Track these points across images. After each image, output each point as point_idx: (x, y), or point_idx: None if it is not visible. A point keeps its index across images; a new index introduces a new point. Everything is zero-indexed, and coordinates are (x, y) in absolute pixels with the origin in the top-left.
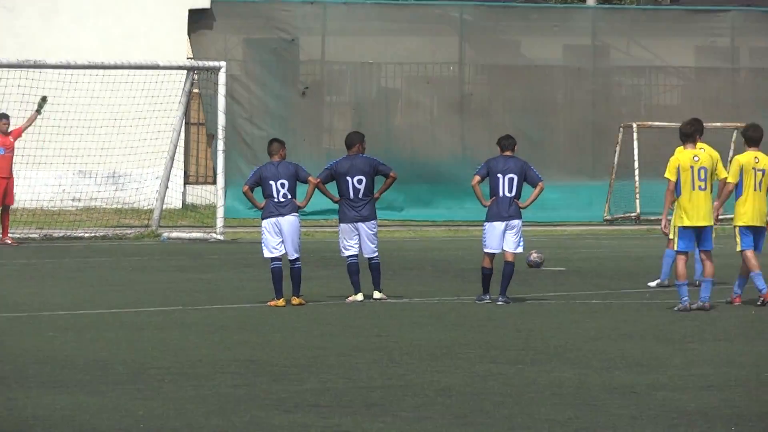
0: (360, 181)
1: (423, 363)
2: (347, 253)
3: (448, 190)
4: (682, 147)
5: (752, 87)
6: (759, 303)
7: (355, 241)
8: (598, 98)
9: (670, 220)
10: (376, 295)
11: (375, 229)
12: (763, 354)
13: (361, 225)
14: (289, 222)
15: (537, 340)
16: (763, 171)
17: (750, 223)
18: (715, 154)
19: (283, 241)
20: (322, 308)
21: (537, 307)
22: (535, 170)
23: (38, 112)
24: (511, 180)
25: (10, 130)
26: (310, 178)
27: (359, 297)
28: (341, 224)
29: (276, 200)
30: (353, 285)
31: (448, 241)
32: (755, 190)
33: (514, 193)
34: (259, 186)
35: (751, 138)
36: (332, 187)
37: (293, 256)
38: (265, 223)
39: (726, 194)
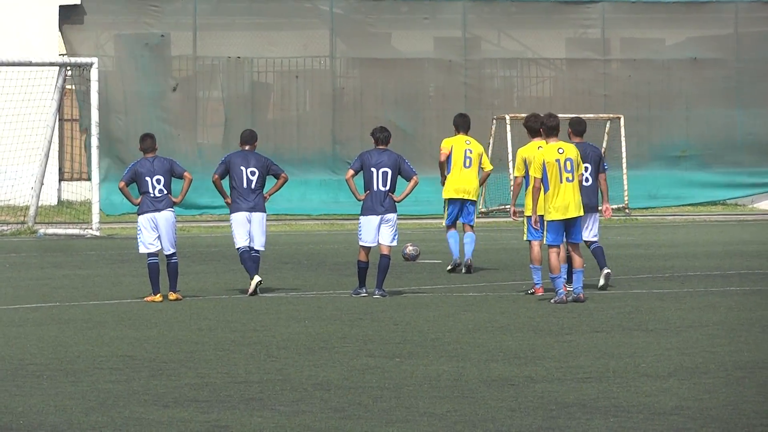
0: (253, 173)
1: (300, 357)
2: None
3: (322, 184)
4: (537, 142)
5: (623, 78)
6: (529, 292)
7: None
8: (470, 90)
9: (521, 211)
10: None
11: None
12: (641, 345)
13: (254, 215)
14: (164, 217)
15: (414, 333)
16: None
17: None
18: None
19: (159, 237)
20: (200, 303)
21: (414, 300)
22: (409, 164)
23: None
24: (385, 174)
25: None
26: (186, 174)
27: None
28: (233, 215)
29: (152, 196)
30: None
31: (323, 234)
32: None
33: (388, 187)
34: (135, 182)
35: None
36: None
37: (169, 251)
38: (141, 218)
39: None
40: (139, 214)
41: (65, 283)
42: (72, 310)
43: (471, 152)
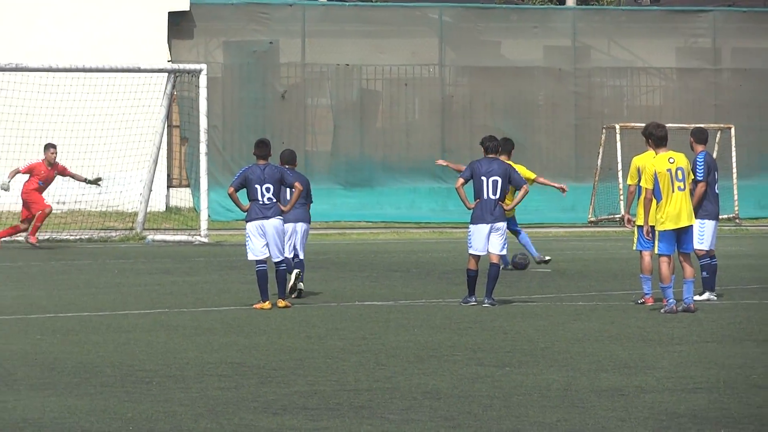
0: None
1: (410, 365)
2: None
3: (431, 191)
4: (652, 152)
5: (734, 87)
6: (639, 302)
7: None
8: (580, 99)
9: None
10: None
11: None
12: (752, 355)
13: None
14: (273, 225)
15: (524, 342)
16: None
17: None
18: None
19: (267, 244)
20: (308, 311)
21: (523, 309)
22: (518, 173)
23: (87, 182)
24: (495, 182)
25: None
26: (296, 184)
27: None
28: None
29: (260, 203)
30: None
31: (432, 243)
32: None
33: (498, 196)
34: (244, 188)
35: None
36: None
37: (278, 258)
38: (249, 225)
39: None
40: (247, 221)
41: (174, 290)
42: (181, 317)
43: None
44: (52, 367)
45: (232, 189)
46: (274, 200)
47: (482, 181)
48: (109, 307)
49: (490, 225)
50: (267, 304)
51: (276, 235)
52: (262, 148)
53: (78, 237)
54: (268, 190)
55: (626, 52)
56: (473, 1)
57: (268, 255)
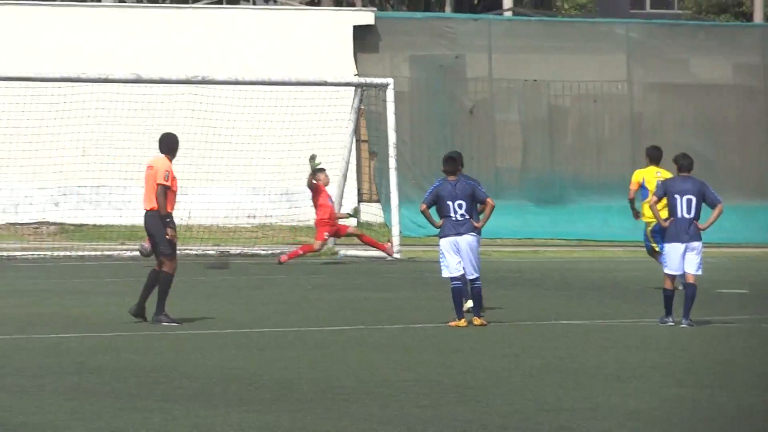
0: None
1: (609, 386)
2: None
3: (623, 209)
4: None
5: None
6: None
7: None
8: None
9: None
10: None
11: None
12: None
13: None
14: (466, 241)
15: (724, 363)
16: None
17: None
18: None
19: (461, 261)
20: (504, 329)
21: (722, 331)
22: (713, 191)
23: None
24: (689, 201)
25: None
26: (488, 200)
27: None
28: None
29: (453, 219)
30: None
31: (627, 261)
32: None
33: (693, 215)
34: (436, 204)
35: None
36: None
37: (472, 275)
38: (442, 242)
39: None
40: (440, 238)
41: (368, 306)
42: (376, 334)
43: None
44: (249, 383)
45: (424, 206)
46: (467, 216)
47: (676, 199)
48: (303, 322)
49: (685, 245)
50: (462, 322)
51: (470, 251)
52: (451, 163)
53: (269, 252)
54: (460, 206)
55: None
56: (658, 17)
57: (462, 272)
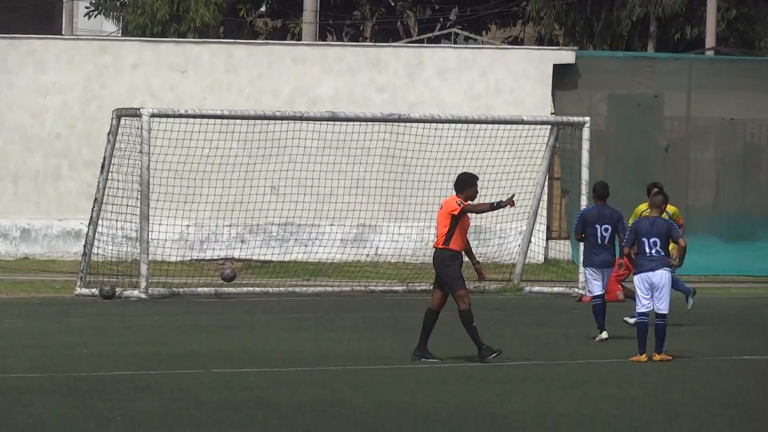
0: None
1: None
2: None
3: None
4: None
5: None
6: None
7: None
8: None
9: None
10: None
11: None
12: None
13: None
14: (659, 276)
15: None
16: None
17: None
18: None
19: (652, 296)
20: (685, 364)
21: None
22: None
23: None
24: None
25: None
26: (680, 241)
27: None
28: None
29: (648, 255)
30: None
31: None
32: None
33: None
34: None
35: None
36: None
37: (661, 311)
38: (636, 278)
39: None
40: (634, 275)
41: (550, 342)
42: (556, 369)
43: None
44: (426, 417)
45: (627, 249)
46: (662, 253)
47: None
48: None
49: None
50: (643, 357)
51: (663, 287)
52: (658, 198)
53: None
54: (655, 243)
55: None
56: None
57: (651, 308)
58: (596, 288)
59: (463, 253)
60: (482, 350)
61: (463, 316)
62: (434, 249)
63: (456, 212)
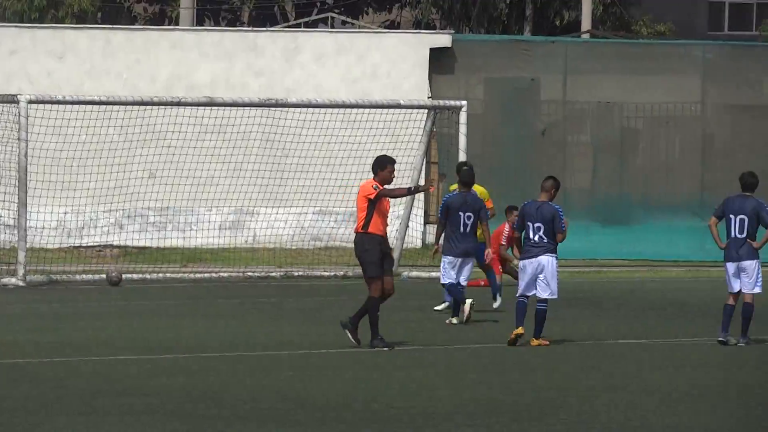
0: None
1: (663, 405)
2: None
3: (689, 230)
4: None
5: None
6: None
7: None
8: None
9: None
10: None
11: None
12: None
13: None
14: (542, 263)
15: None
16: None
17: None
18: None
19: (532, 282)
20: (563, 349)
21: None
22: None
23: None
24: (742, 221)
25: None
26: (559, 236)
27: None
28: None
29: (531, 240)
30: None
31: (690, 281)
32: None
33: (744, 234)
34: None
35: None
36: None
37: (542, 296)
38: (520, 262)
39: None
40: (520, 259)
41: (428, 327)
42: (434, 354)
43: None
44: (303, 403)
45: (516, 234)
46: (545, 239)
47: (730, 219)
48: (362, 343)
49: (736, 264)
50: (520, 330)
51: (547, 273)
52: (548, 182)
53: (333, 273)
54: (539, 229)
55: None
56: (736, 39)
57: (532, 293)
58: (446, 277)
59: (386, 236)
60: (376, 340)
61: (369, 302)
62: (355, 233)
63: (372, 196)
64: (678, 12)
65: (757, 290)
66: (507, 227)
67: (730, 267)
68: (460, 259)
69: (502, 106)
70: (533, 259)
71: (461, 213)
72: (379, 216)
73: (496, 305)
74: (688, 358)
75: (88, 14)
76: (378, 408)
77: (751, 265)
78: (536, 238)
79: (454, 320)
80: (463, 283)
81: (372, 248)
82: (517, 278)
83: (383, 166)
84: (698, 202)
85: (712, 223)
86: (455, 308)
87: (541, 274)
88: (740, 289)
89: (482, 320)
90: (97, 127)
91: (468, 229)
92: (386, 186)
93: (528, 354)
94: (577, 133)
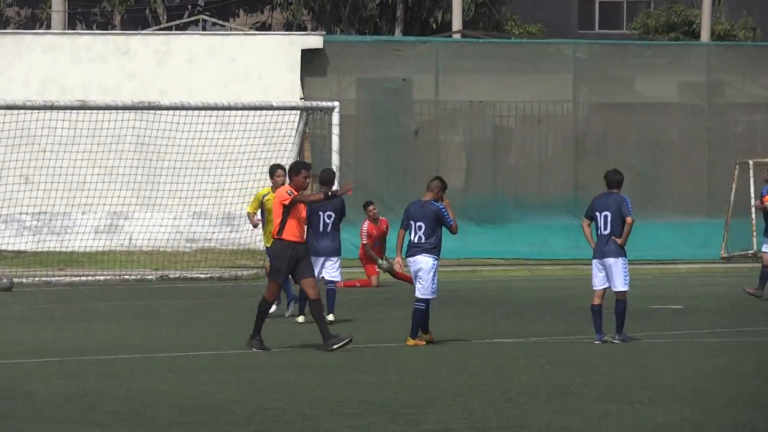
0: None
1: (539, 403)
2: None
3: (563, 228)
4: None
5: None
6: None
7: None
8: (713, 135)
9: None
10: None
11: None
12: None
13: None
14: (417, 262)
15: (655, 379)
16: None
17: None
18: None
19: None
20: (438, 348)
21: (654, 346)
22: (629, 206)
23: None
24: (606, 217)
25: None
26: (453, 227)
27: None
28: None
29: (412, 240)
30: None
31: (564, 279)
32: None
33: (608, 230)
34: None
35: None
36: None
37: (417, 296)
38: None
39: None
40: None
41: (303, 328)
42: (310, 356)
43: None
44: (181, 406)
45: (402, 231)
46: (423, 239)
47: (597, 216)
48: (239, 345)
49: (601, 261)
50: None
51: (422, 272)
52: (434, 183)
53: (209, 275)
54: (420, 228)
55: (761, 87)
56: (607, 37)
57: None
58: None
59: (304, 242)
60: (254, 340)
61: (261, 302)
62: (272, 239)
63: (287, 202)
64: (549, 11)
65: (625, 288)
66: (366, 225)
67: (595, 263)
68: (322, 258)
69: (375, 107)
70: (411, 258)
71: (321, 213)
72: (295, 221)
73: (287, 314)
74: (566, 356)
75: None
76: (256, 410)
77: (616, 262)
78: (416, 238)
79: (300, 319)
80: (334, 279)
81: (282, 255)
82: (396, 277)
83: (297, 171)
84: (572, 200)
85: (584, 225)
86: (301, 307)
87: (419, 274)
88: (604, 287)
89: (354, 320)
90: None
91: (329, 228)
92: (303, 192)
93: (404, 354)
94: (450, 132)
